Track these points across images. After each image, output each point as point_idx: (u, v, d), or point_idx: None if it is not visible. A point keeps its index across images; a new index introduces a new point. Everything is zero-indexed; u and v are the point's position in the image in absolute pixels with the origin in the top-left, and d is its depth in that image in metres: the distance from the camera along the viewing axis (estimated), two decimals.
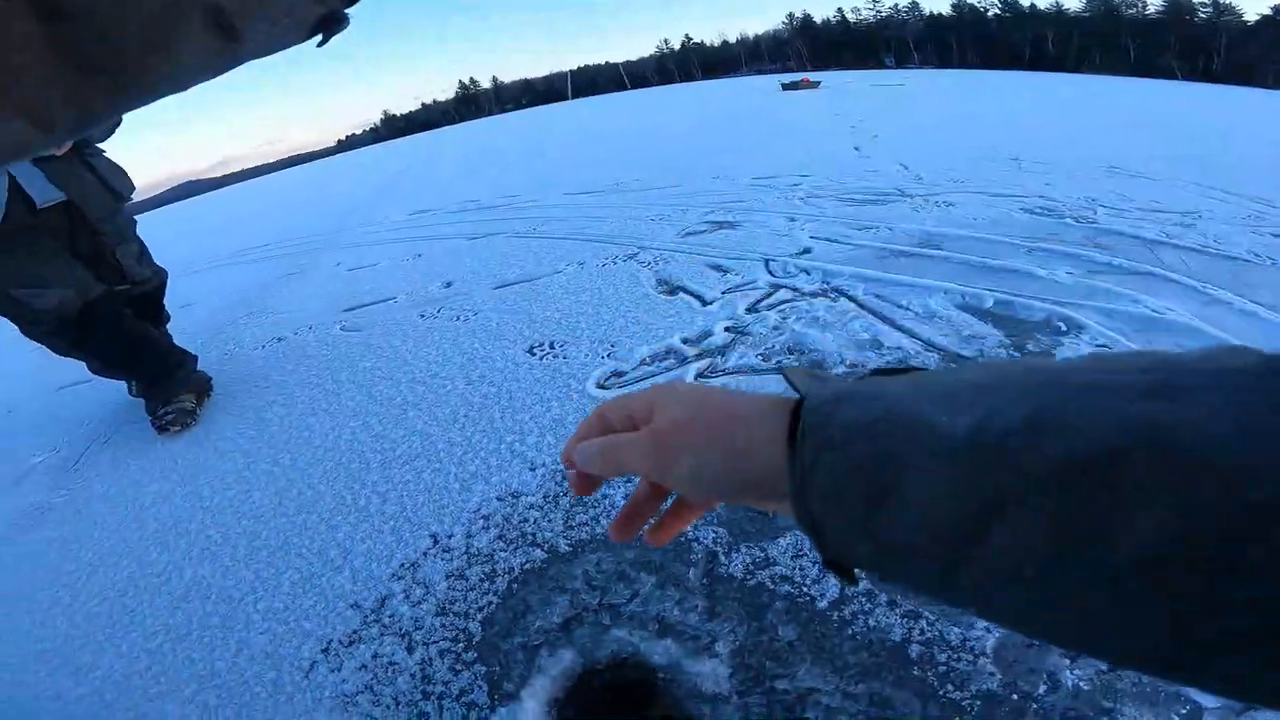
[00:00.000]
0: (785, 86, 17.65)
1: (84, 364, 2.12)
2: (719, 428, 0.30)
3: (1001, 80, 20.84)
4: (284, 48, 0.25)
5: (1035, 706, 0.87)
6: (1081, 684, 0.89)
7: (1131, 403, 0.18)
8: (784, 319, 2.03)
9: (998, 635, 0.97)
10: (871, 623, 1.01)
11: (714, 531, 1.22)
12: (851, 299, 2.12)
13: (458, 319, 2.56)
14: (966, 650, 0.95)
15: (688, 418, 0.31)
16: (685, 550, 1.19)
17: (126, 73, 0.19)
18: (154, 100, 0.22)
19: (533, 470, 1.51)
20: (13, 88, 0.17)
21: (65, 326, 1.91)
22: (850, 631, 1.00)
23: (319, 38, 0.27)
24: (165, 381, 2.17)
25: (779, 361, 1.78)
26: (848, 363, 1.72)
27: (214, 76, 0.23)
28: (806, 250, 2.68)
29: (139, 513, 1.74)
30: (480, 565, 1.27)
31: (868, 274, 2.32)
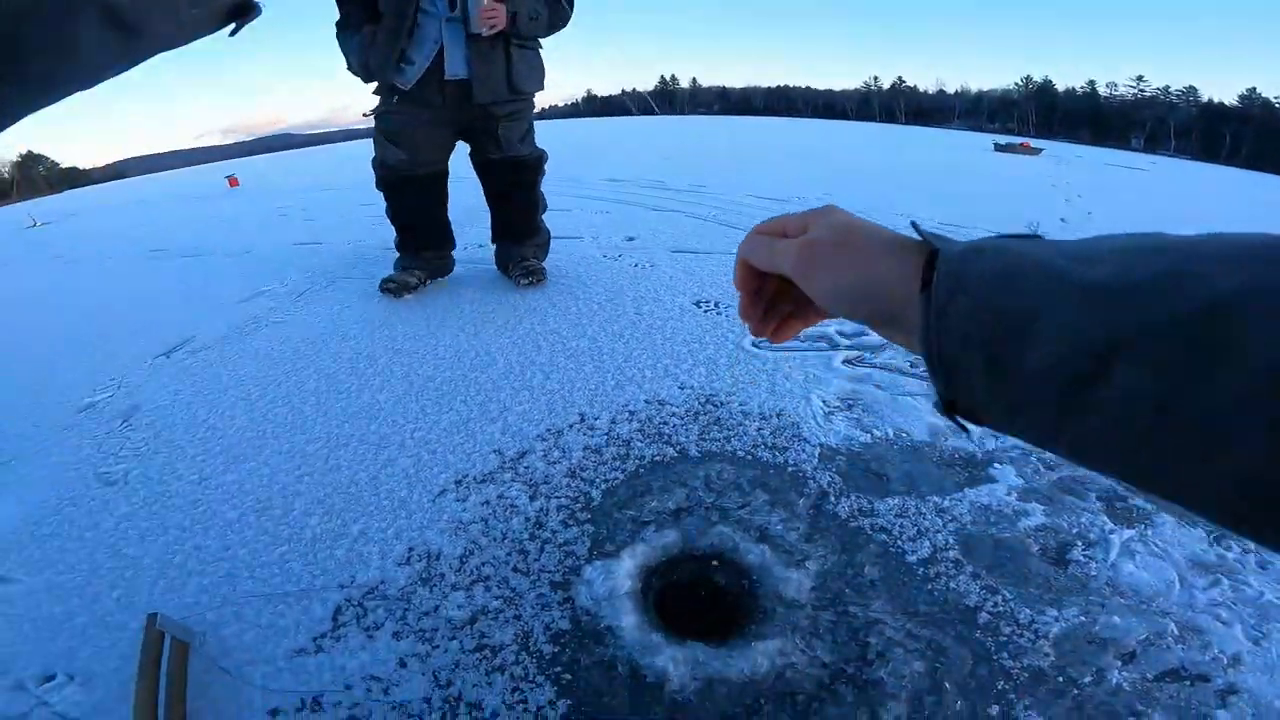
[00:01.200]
0: (999, 147, 16.32)
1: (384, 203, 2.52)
2: (862, 257, 0.33)
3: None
4: (195, 38, 0.26)
5: (1075, 692, 0.90)
6: (1124, 684, 0.91)
7: (1246, 265, 0.20)
8: None
9: (1063, 625, 1.01)
10: (952, 585, 1.08)
11: (831, 475, 1.34)
12: None
13: (635, 266, 2.85)
14: (1031, 630, 1.00)
15: (837, 240, 0.34)
16: (801, 483, 1.33)
17: (30, 75, 0.20)
18: (65, 97, 0.24)
19: (681, 389, 1.71)
20: None
21: (391, 175, 2.36)
22: (930, 588, 1.07)
23: (231, 27, 0.28)
24: (410, 253, 2.55)
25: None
26: None
27: (124, 70, 0.24)
28: None
29: (341, 340, 2.11)
30: (616, 447, 1.46)
31: None
